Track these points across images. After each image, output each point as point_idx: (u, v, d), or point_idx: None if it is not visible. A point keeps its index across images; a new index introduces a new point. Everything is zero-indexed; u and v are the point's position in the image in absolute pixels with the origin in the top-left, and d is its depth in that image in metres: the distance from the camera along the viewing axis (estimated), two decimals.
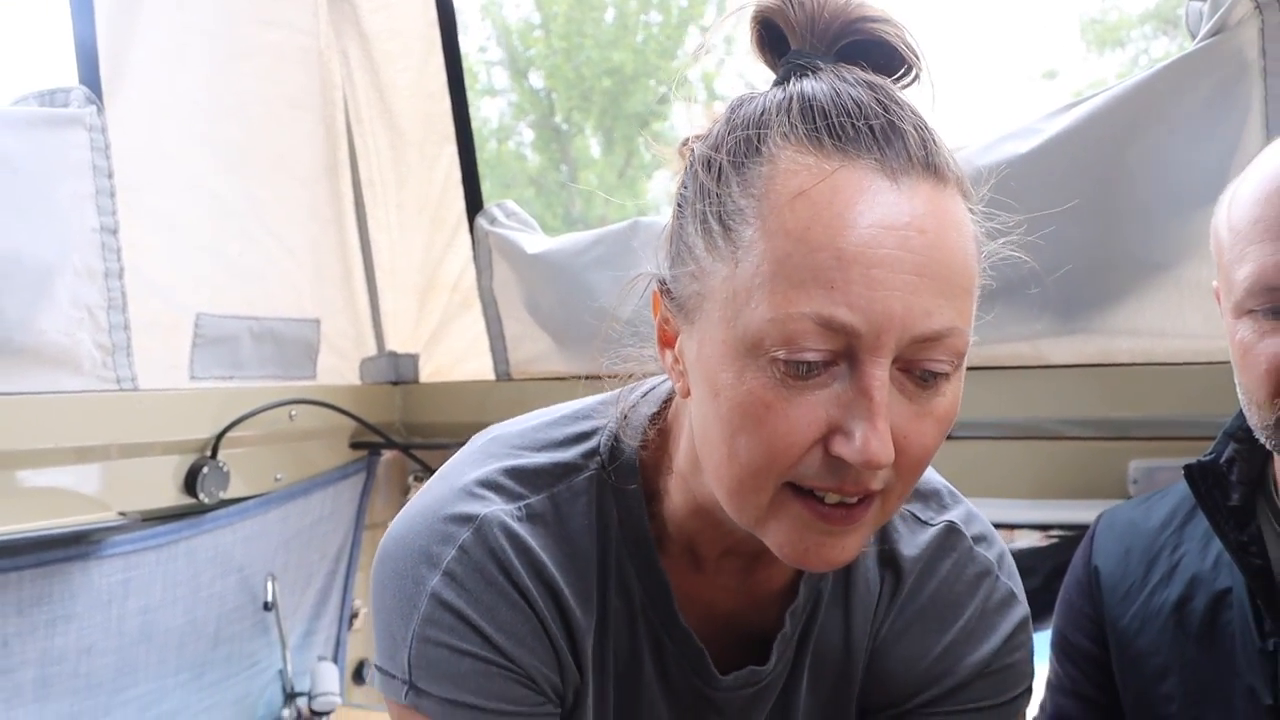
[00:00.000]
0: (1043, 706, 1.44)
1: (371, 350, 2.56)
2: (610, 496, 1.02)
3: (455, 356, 2.58)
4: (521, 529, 0.98)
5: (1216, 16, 1.67)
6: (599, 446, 1.03)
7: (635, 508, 1.01)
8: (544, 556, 0.98)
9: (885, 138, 0.82)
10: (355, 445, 2.44)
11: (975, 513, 1.11)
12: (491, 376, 2.51)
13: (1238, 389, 1.17)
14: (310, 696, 2.24)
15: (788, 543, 0.88)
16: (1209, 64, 1.69)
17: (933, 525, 1.07)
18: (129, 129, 1.93)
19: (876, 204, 0.80)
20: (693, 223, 0.88)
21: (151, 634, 2.05)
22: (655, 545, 1.02)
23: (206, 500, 2.08)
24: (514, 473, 1.00)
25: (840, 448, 0.82)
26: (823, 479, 0.84)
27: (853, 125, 0.82)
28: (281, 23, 2.28)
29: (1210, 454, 1.24)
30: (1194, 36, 1.72)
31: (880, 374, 0.81)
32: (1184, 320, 1.79)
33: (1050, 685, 1.42)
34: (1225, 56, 1.68)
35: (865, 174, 0.81)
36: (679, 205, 0.91)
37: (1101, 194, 1.78)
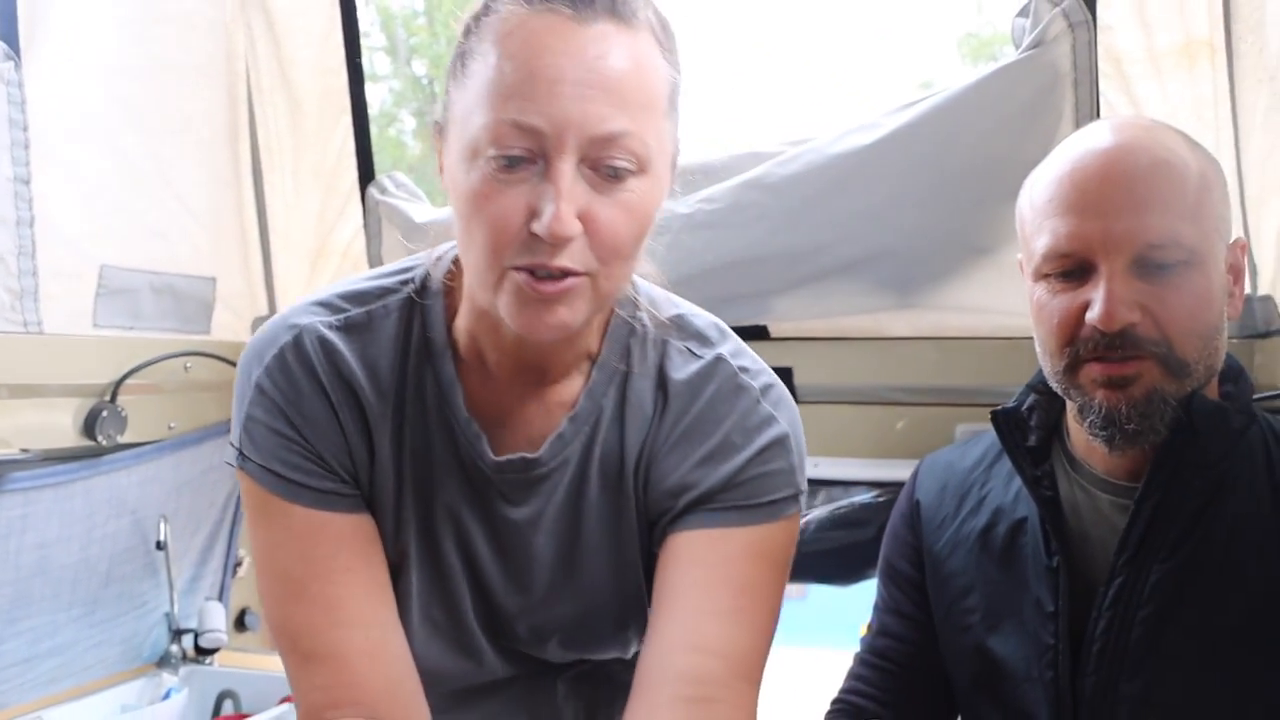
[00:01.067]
0: (870, 625, 1.60)
1: (264, 309, 2.65)
2: (418, 314, 1.21)
3: None
4: (333, 336, 1.18)
5: (1036, 32, 1.92)
6: (414, 277, 1.23)
7: (435, 319, 1.20)
8: (350, 360, 1.18)
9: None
10: None
11: (745, 349, 1.26)
12: None
13: (1035, 343, 1.33)
14: (198, 634, 2.35)
15: (513, 314, 1.06)
16: (1029, 73, 1.94)
17: (703, 358, 1.22)
18: (44, 84, 2.02)
19: (563, 37, 1.02)
20: (447, 73, 1.10)
21: (46, 569, 2.13)
22: (451, 352, 1.20)
23: (104, 442, 2.18)
24: (344, 294, 1.21)
25: (534, 226, 1.02)
26: (528, 256, 1.03)
27: None
28: None
29: (1014, 403, 1.42)
30: (1018, 48, 1.97)
31: (564, 167, 1.01)
32: (1004, 299, 2.00)
33: (876, 606, 1.59)
34: (1043, 67, 1.93)
35: (559, 19, 1.02)
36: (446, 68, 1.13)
37: (934, 184, 2.01)
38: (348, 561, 1.19)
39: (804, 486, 1.24)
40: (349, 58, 2.55)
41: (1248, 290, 1.89)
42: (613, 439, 1.23)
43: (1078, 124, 1.89)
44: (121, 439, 2.22)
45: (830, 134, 2.10)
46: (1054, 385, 1.32)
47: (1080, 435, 1.34)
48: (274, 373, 1.17)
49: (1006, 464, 1.41)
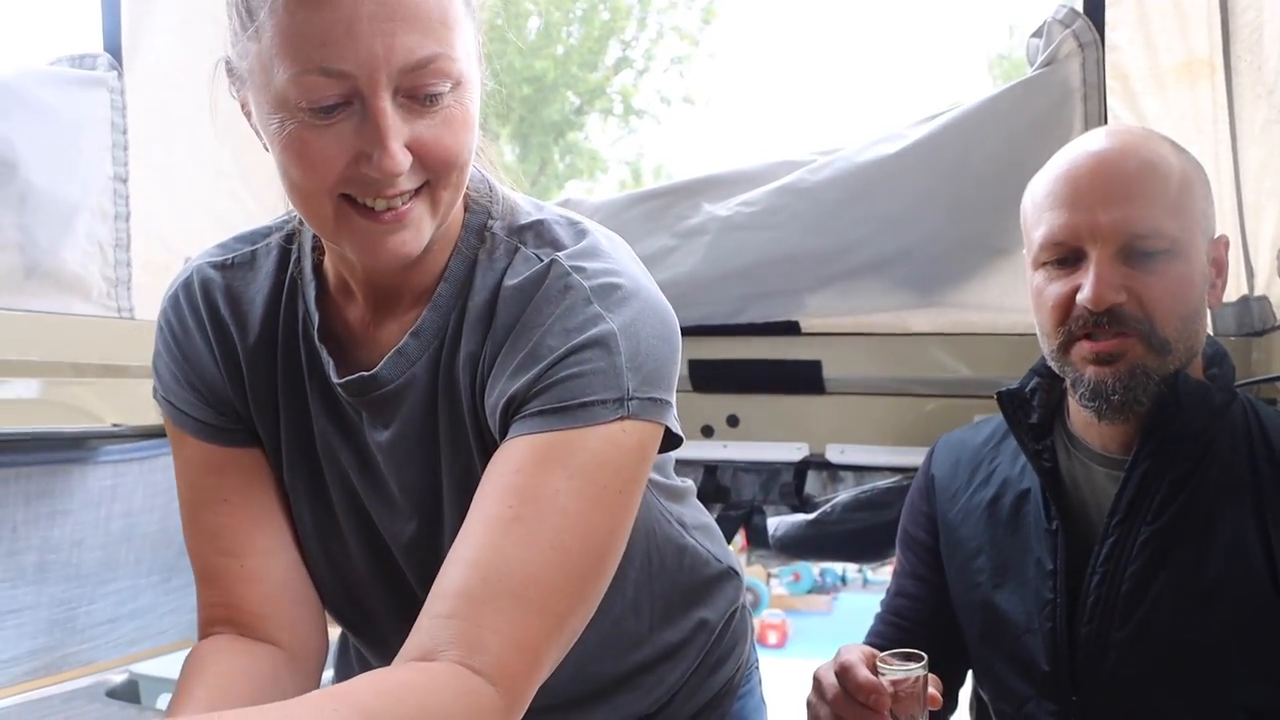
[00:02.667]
0: (889, 588, 1.72)
1: None
2: (295, 253, 1.24)
3: None
4: (216, 274, 1.25)
5: (1048, 50, 2.07)
6: (296, 220, 1.26)
7: (304, 255, 1.23)
8: (225, 298, 1.24)
9: None
10: None
11: (601, 249, 1.16)
12: None
13: (1036, 326, 1.47)
14: None
15: (360, 248, 1.07)
16: (1042, 89, 2.08)
17: (541, 261, 1.14)
18: (142, 92, 2.20)
19: None
20: (231, 9, 1.06)
21: (131, 536, 2.30)
22: (316, 282, 1.21)
23: None
24: (240, 234, 1.29)
25: (366, 169, 1.01)
26: (365, 191, 1.03)
27: None
28: None
29: (1018, 385, 1.54)
30: (1032, 65, 2.12)
31: (382, 105, 0.99)
32: (1019, 297, 2.06)
33: (894, 571, 1.72)
34: (1055, 83, 2.07)
35: None
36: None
37: (954, 190, 2.14)
38: (227, 494, 1.24)
39: (634, 391, 1.08)
40: None
41: (1244, 291, 2.05)
42: (450, 354, 1.17)
43: None
44: None
45: (858, 144, 2.24)
46: (1051, 364, 1.46)
47: (1078, 413, 1.47)
48: (167, 311, 1.27)
49: (1013, 442, 1.54)
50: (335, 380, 1.19)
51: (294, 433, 1.25)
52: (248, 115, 1.11)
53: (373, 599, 1.30)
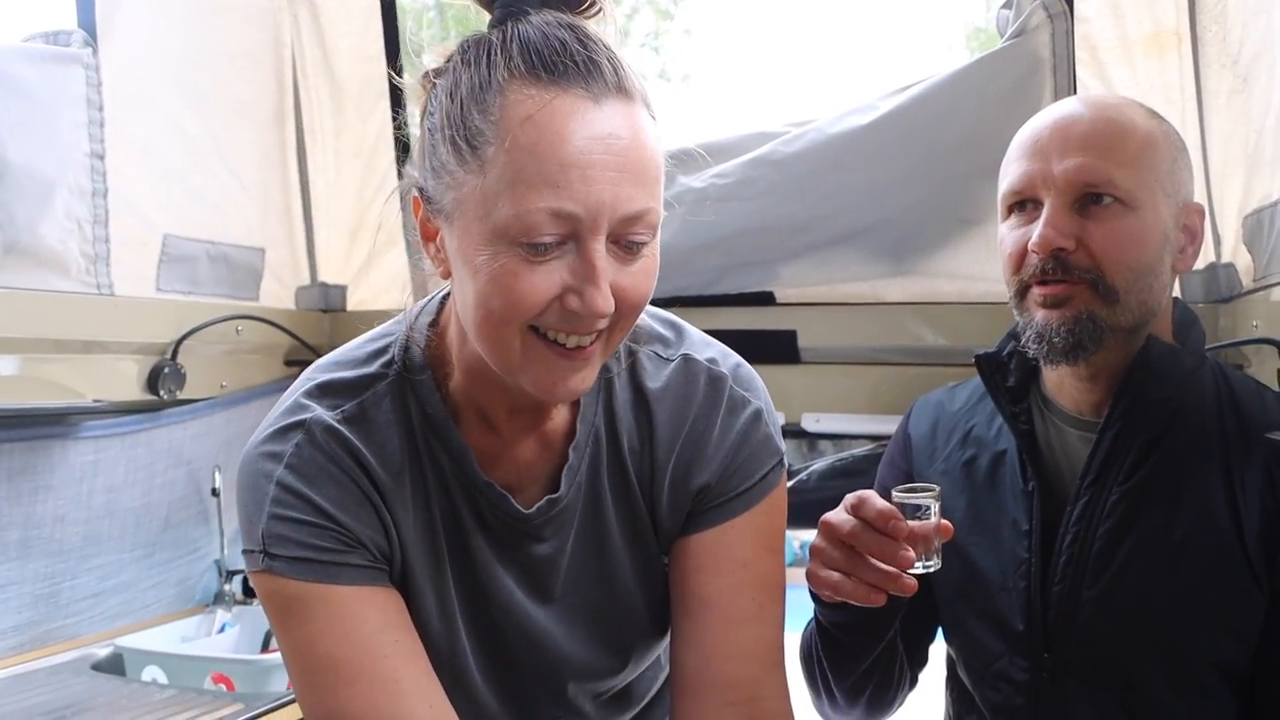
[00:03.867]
0: None
1: (306, 280, 2.82)
2: (409, 390, 1.22)
3: (379, 289, 2.85)
4: (341, 427, 1.19)
5: (1018, 22, 2.09)
6: (394, 355, 1.23)
7: (429, 393, 1.22)
8: (360, 445, 1.19)
9: (587, 70, 1.05)
10: (289, 363, 2.72)
11: (707, 339, 1.33)
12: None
13: None
14: (247, 575, 2.53)
15: (539, 380, 1.10)
16: (1012, 60, 2.11)
17: (672, 360, 1.29)
18: (117, 68, 2.21)
19: (585, 122, 1.03)
20: (443, 144, 1.07)
21: (114, 511, 2.32)
22: (451, 419, 1.22)
23: (165, 396, 2.36)
24: (328, 387, 1.22)
25: (573, 304, 1.05)
26: (562, 326, 1.08)
27: (562, 62, 1.04)
28: None
29: (995, 348, 1.56)
30: (1002, 37, 2.15)
31: (599, 248, 1.05)
32: (991, 266, 2.11)
33: None
34: (1025, 54, 2.10)
35: (575, 100, 1.04)
36: (428, 130, 1.10)
37: (926, 160, 2.17)
38: (396, 635, 1.19)
39: (783, 449, 1.33)
40: (387, 44, 2.71)
41: (1212, 258, 2.09)
42: (614, 457, 1.28)
43: None
44: (180, 394, 2.40)
45: (831, 115, 2.26)
46: (1014, 314, 1.48)
47: (1052, 376, 1.50)
48: (297, 466, 1.18)
49: (989, 405, 1.57)
50: (523, 512, 1.25)
51: (457, 566, 1.26)
52: (431, 240, 1.15)
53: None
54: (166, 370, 2.35)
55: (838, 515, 1.29)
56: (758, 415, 1.30)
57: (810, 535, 1.38)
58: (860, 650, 1.50)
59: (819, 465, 2.35)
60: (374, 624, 1.17)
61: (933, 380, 2.14)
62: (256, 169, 2.64)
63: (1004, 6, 2.18)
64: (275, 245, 2.69)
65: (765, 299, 2.38)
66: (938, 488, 1.29)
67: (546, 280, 1.05)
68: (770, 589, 1.28)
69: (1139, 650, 1.38)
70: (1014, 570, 1.47)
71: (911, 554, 1.24)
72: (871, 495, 1.27)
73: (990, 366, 1.55)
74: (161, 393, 2.35)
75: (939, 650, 1.67)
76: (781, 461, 1.32)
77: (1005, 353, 1.56)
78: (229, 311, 2.51)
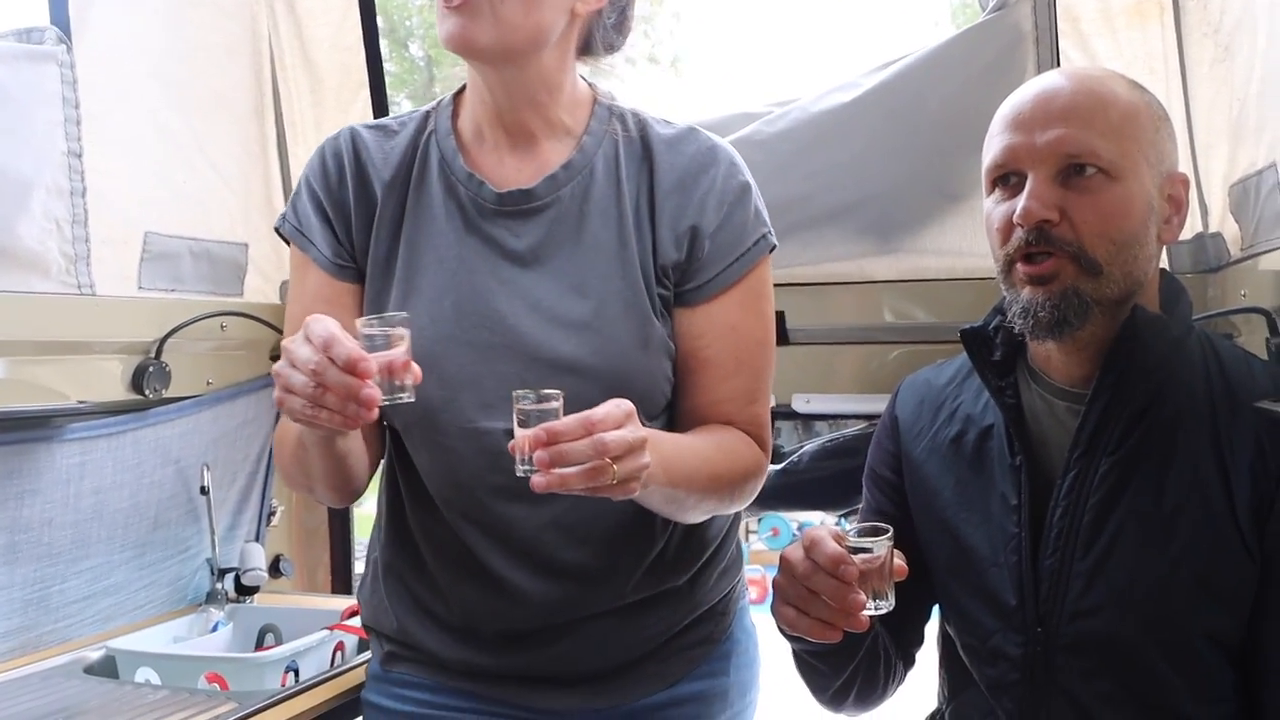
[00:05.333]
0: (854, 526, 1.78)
1: (288, 274, 2.81)
2: (435, 114, 1.57)
3: None
4: (365, 132, 1.56)
5: None
6: (428, 109, 1.59)
7: (442, 115, 1.56)
8: (369, 144, 1.55)
9: None
10: (275, 358, 2.67)
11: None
12: None
13: None
14: (239, 573, 2.52)
15: (440, 32, 1.41)
16: (994, 33, 2.10)
17: (680, 127, 1.57)
18: (93, 65, 2.18)
19: None
20: None
21: (102, 513, 2.30)
22: (454, 136, 1.54)
23: (150, 395, 2.34)
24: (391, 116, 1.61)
25: None
26: None
27: None
28: None
29: (980, 322, 1.55)
30: (984, 10, 2.14)
31: None
32: (978, 242, 2.15)
33: (861, 509, 1.75)
34: (1007, 27, 2.09)
35: None
36: None
37: (910, 136, 2.16)
38: (324, 308, 1.41)
39: (770, 226, 1.58)
40: (366, 34, 2.70)
41: (1199, 229, 2.08)
42: (607, 187, 1.52)
43: None
44: (166, 392, 2.38)
45: (813, 93, 2.26)
46: (1001, 288, 1.48)
47: (1039, 349, 1.49)
48: (315, 156, 1.57)
49: (976, 380, 1.57)
50: (494, 191, 1.50)
51: (416, 252, 1.52)
52: None
53: (460, 372, 1.50)
54: (151, 369, 2.34)
55: (795, 553, 1.32)
56: (749, 187, 1.56)
57: (806, 517, 1.41)
58: (834, 670, 1.53)
59: (811, 446, 2.35)
60: (321, 309, 1.38)
61: (923, 357, 2.15)
62: (237, 163, 2.62)
63: None
64: (258, 240, 2.66)
65: None
66: (890, 529, 1.31)
67: None
68: (753, 345, 1.56)
69: (1131, 622, 1.38)
70: (1004, 545, 1.47)
71: (862, 597, 1.28)
72: (823, 538, 1.30)
73: (976, 341, 1.55)
74: (147, 392, 2.34)
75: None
76: (768, 235, 1.56)
77: (991, 327, 1.56)
78: (213, 308, 2.50)
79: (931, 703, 1.67)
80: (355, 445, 1.48)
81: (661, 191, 1.51)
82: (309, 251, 1.56)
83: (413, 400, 1.31)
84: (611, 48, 1.58)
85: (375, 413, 1.25)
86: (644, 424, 1.32)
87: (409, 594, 1.64)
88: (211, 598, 2.50)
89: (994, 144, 1.45)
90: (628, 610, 1.58)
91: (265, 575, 2.55)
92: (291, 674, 2.12)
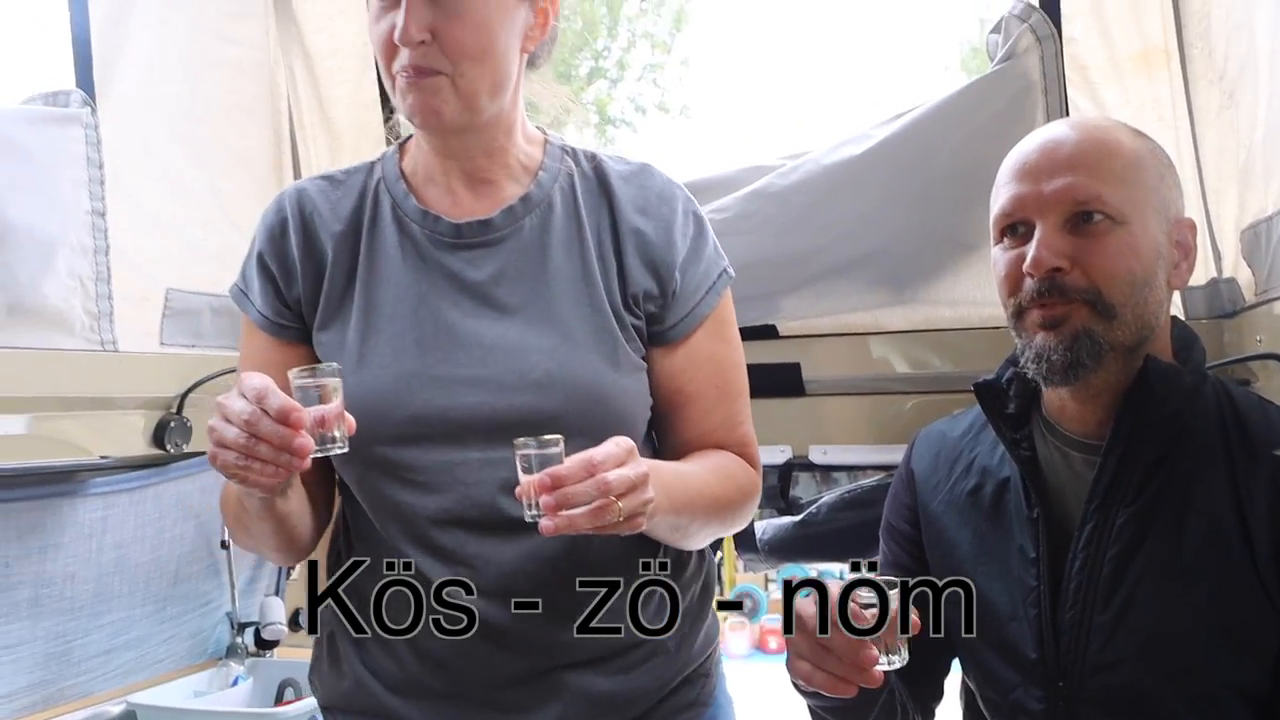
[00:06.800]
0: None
1: None
2: (380, 163, 1.57)
3: None
4: (310, 185, 1.55)
5: (1007, 45, 2.10)
6: (373, 161, 1.58)
7: (389, 164, 1.55)
8: (314, 198, 1.53)
9: None
10: None
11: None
12: None
13: None
14: (259, 627, 2.54)
15: (402, 104, 1.42)
16: (1003, 83, 2.12)
17: (634, 164, 1.58)
18: (116, 126, 2.22)
19: None
20: None
21: (123, 567, 2.32)
22: (404, 176, 1.54)
23: (172, 450, 2.37)
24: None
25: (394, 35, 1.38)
26: (400, 62, 1.39)
27: None
28: (240, 40, 2.60)
29: (994, 375, 1.56)
30: (992, 60, 2.16)
31: None
32: (990, 291, 2.13)
33: (879, 563, 1.74)
34: (1015, 77, 2.11)
35: None
36: None
37: (921, 187, 2.17)
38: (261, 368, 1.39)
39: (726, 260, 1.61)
40: (383, 93, 2.72)
41: (1213, 274, 2.08)
42: (566, 219, 1.52)
43: None
44: (187, 447, 2.41)
45: (825, 146, 2.27)
46: (1013, 337, 1.48)
47: (1053, 400, 1.49)
48: (263, 215, 1.56)
49: (991, 432, 1.56)
50: (451, 222, 1.50)
51: (372, 294, 1.50)
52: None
53: (426, 406, 1.47)
54: (173, 424, 2.36)
55: (807, 608, 1.30)
56: (706, 220, 1.59)
57: (825, 567, 1.40)
58: None
59: (829, 497, 2.35)
60: (266, 371, 1.31)
61: (939, 407, 2.14)
62: (256, 220, 2.64)
63: (993, 31, 2.20)
64: None
65: (768, 332, 2.38)
66: (899, 582, 1.29)
67: (387, 25, 1.39)
68: (730, 371, 1.59)
69: (1154, 676, 1.37)
70: (1024, 598, 1.47)
71: (874, 651, 1.26)
72: (836, 594, 1.28)
73: (989, 394, 1.55)
74: (168, 447, 2.36)
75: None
76: (727, 267, 1.60)
77: (1004, 379, 1.56)
78: (233, 363, 2.50)
79: None
80: (296, 506, 1.44)
81: (624, 222, 1.52)
82: (248, 311, 1.55)
83: (345, 450, 1.31)
84: (540, 63, 1.60)
85: (308, 462, 1.25)
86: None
87: (370, 660, 1.55)
88: (232, 652, 2.51)
89: (1001, 194, 1.46)
90: (617, 666, 1.54)
91: (285, 629, 2.56)
92: None
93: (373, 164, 1.57)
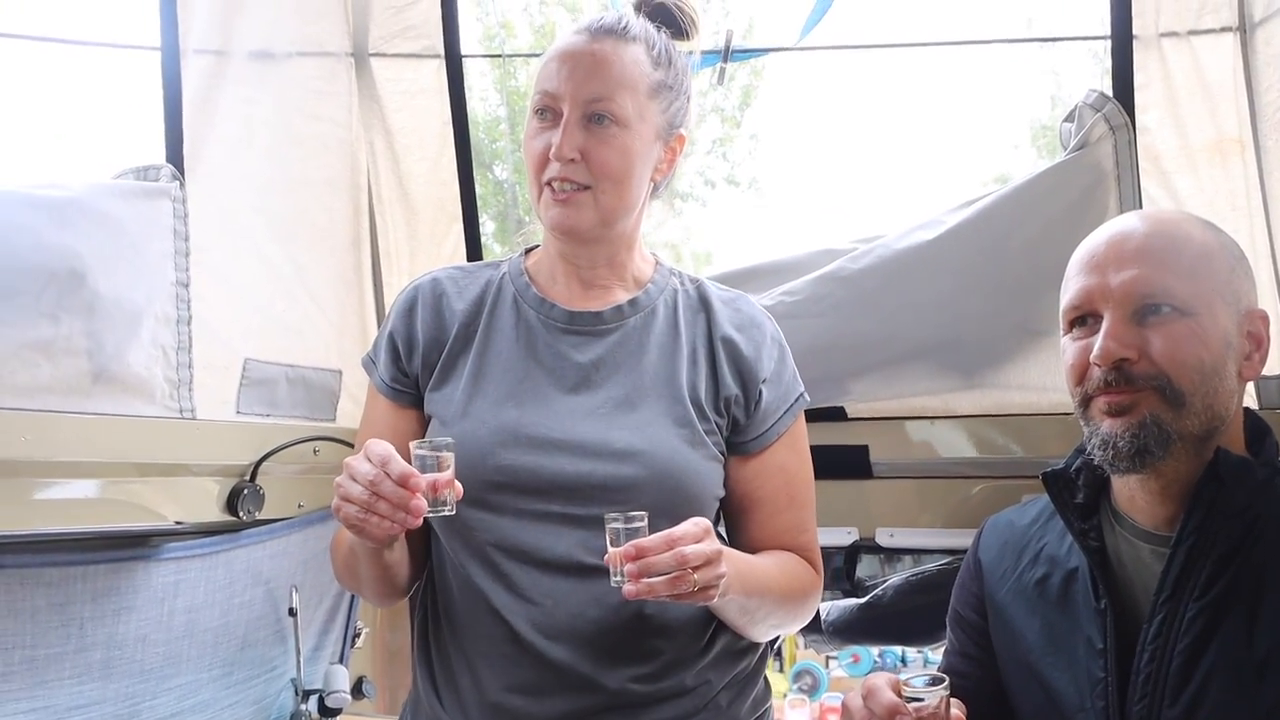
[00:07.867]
0: (938, 667, 1.70)
1: None
2: (507, 262, 1.77)
3: None
4: (442, 272, 1.76)
5: (1081, 134, 2.12)
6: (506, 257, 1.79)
7: (515, 263, 1.76)
8: (444, 282, 1.73)
9: (598, 27, 1.64)
10: None
11: None
12: None
13: None
14: (323, 695, 2.55)
15: (544, 214, 1.63)
16: (1076, 172, 2.13)
17: (731, 291, 1.77)
18: (202, 199, 2.28)
19: (571, 44, 1.63)
20: None
21: (193, 631, 2.33)
22: (527, 272, 1.74)
23: (244, 517, 2.39)
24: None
25: (549, 152, 1.59)
26: (548, 174, 1.60)
27: (588, 25, 1.65)
28: (324, 117, 2.67)
29: (1063, 465, 1.57)
30: (1065, 149, 2.17)
31: (569, 117, 1.58)
32: (1060, 377, 2.14)
33: (945, 650, 1.75)
34: (1088, 166, 2.12)
35: (573, 35, 1.64)
36: None
37: (993, 274, 2.19)
38: (379, 434, 1.58)
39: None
40: (460, 170, 2.81)
41: None
42: (667, 326, 1.70)
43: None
44: (259, 515, 2.43)
45: (897, 231, 2.29)
46: (1080, 426, 1.49)
47: (1122, 490, 1.49)
48: (396, 300, 1.76)
49: (1059, 521, 1.56)
50: (565, 309, 1.69)
51: (484, 362, 1.68)
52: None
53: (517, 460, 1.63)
54: (246, 491, 2.39)
55: (854, 701, 1.37)
56: (788, 351, 1.76)
57: (893, 647, 1.43)
58: None
59: (895, 580, 2.34)
60: (373, 419, 1.77)
61: (1008, 492, 2.20)
62: (334, 292, 2.70)
63: (1066, 119, 2.21)
64: (351, 367, 2.71)
65: (836, 414, 2.40)
66: (946, 679, 1.34)
67: (542, 143, 1.60)
68: (800, 483, 1.74)
69: None
70: (1091, 690, 1.45)
71: None
72: (880, 687, 1.35)
73: (1058, 483, 1.55)
74: (241, 513, 2.39)
75: None
76: (804, 390, 1.76)
77: (1073, 469, 1.56)
78: (307, 433, 2.55)
79: None
80: (399, 556, 1.63)
81: (719, 333, 1.69)
82: (372, 376, 1.77)
83: (453, 513, 1.50)
84: (661, 192, 1.78)
85: (420, 520, 1.43)
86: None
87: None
88: (295, 719, 2.51)
89: (1070, 286, 1.48)
90: (668, 713, 1.64)
91: (348, 697, 2.57)
92: None
93: (500, 262, 1.78)
